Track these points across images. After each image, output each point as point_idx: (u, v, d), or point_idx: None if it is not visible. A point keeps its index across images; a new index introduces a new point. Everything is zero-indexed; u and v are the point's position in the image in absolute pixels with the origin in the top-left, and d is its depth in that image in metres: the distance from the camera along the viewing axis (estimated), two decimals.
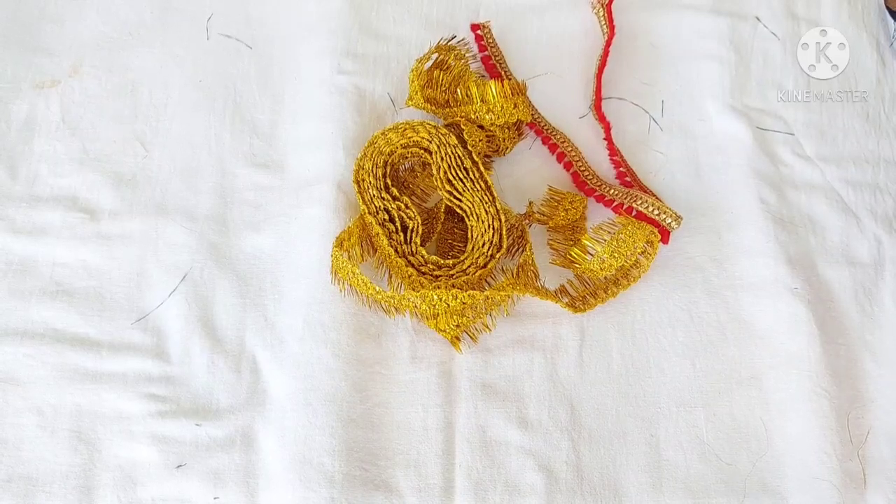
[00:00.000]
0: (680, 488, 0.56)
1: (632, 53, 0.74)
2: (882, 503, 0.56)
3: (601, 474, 0.56)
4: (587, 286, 0.62)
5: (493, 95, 0.65)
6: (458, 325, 0.58)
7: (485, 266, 0.60)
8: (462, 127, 0.64)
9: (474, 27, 0.75)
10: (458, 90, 0.67)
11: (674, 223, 0.63)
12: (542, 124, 0.70)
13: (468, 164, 0.62)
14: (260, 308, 0.62)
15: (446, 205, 0.63)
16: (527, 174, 0.68)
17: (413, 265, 0.60)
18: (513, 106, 0.66)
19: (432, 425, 0.58)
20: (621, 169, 0.68)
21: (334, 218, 0.63)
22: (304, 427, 0.56)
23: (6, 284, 0.62)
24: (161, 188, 0.67)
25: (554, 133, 0.70)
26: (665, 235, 0.63)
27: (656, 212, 0.63)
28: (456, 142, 0.63)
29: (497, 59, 0.73)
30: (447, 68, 0.69)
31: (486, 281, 0.61)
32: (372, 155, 0.63)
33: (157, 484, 0.56)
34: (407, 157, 0.65)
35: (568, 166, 0.68)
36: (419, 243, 0.60)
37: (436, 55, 0.69)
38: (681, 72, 0.73)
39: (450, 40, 0.69)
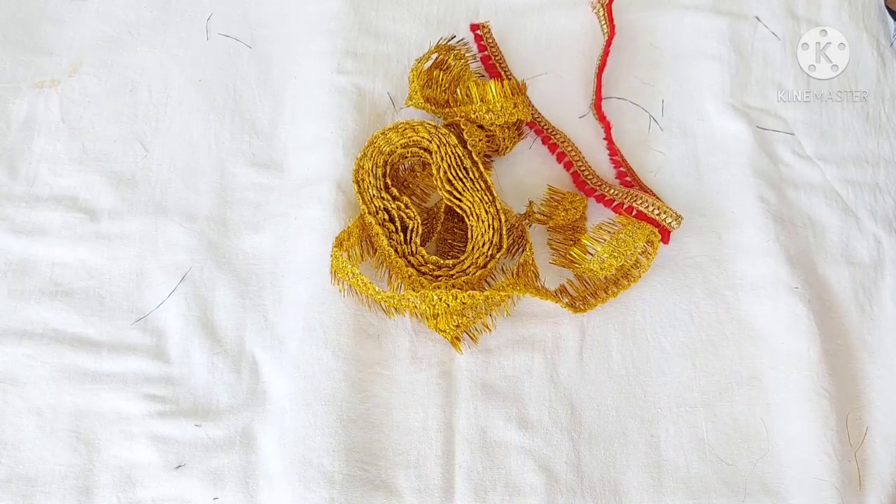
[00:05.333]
0: (680, 488, 0.56)
1: (632, 53, 0.74)
2: None
3: (601, 474, 0.56)
4: (587, 286, 0.62)
5: (493, 95, 0.65)
6: (458, 326, 0.58)
7: (485, 266, 0.60)
8: (462, 127, 0.64)
9: (474, 27, 0.75)
10: (458, 90, 0.67)
11: (674, 223, 0.63)
12: (542, 124, 0.70)
13: (468, 163, 0.62)
14: (259, 308, 0.62)
15: (446, 205, 0.63)
16: (527, 174, 0.68)
17: (413, 265, 0.60)
18: (512, 106, 0.66)
19: (432, 426, 0.58)
20: (621, 168, 0.68)
21: (334, 218, 0.63)
22: (304, 427, 0.56)
23: (6, 284, 0.62)
24: (161, 188, 0.67)
25: (554, 133, 0.70)
26: (665, 235, 0.63)
27: (656, 211, 0.63)
28: (456, 141, 0.63)
29: (497, 58, 0.73)
30: (447, 68, 0.69)
31: (486, 281, 0.61)
32: (372, 155, 0.63)
33: (157, 484, 0.56)
34: (407, 157, 0.65)
35: (568, 166, 0.68)
36: (419, 243, 0.60)
37: (435, 55, 0.69)
38: (681, 71, 0.73)
39: (449, 40, 0.69)
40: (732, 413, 0.59)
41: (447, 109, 0.67)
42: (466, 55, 0.70)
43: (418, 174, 0.66)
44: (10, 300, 0.62)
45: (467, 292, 0.56)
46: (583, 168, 0.68)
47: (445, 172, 0.62)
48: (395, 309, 0.60)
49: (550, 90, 0.72)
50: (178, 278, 0.63)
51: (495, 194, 0.61)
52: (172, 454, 0.56)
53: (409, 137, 0.63)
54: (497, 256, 0.60)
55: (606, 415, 0.58)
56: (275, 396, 0.58)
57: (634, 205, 0.64)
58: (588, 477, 0.56)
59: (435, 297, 0.56)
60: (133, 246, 0.64)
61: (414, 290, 0.59)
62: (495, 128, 0.66)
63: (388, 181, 0.62)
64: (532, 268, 0.61)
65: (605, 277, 0.62)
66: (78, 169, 0.68)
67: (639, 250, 0.61)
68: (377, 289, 0.58)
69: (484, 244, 0.60)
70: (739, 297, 0.62)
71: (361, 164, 0.63)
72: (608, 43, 0.72)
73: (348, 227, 0.61)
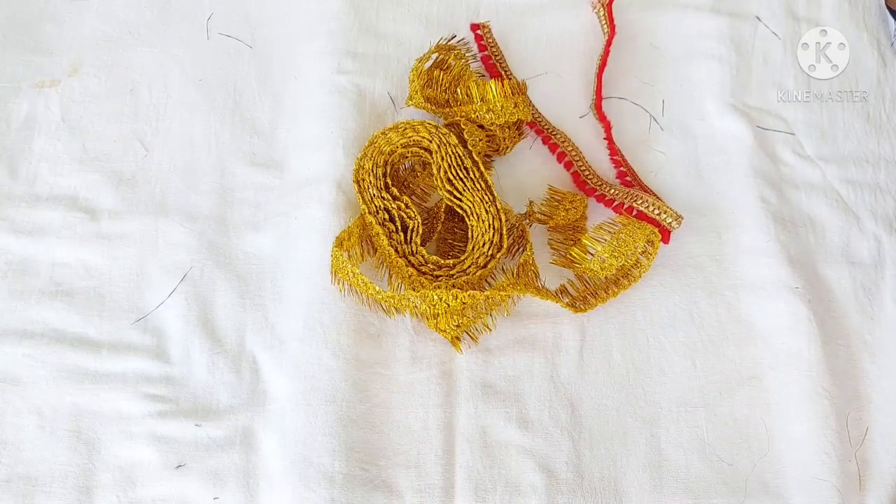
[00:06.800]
0: (680, 488, 0.56)
1: (632, 53, 0.74)
2: None
3: (602, 474, 0.56)
4: (588, 286, 0.62)
5: (494, 95, 0.65)
6: (458, 325, 0.58)
7: (485, 266, 0.60)
8: (462, 126, 0.64)
9: (474, 27, 0.75)
10: (459, 90, 0.67)
11: (674, 223, 0.63)
12: (543, 124, 0.70)
13: (468, 163, 0.62)
14: (260, 308, 0.62)
15: (447, 204, 0.63)
16: (527, 174, 0.68)
17: (413, 265, 0.60)
18: (513, 105, 0.66)
19: (432, 425, 0.58)
20: (622, 168, 0.68)
21: (334, 218, 0.63)
22: (304, 427, 0.56)
23: (6, 284, 0.62)
24: (161, 188, 0.67)
25: (554, 133, 0.70)
26: (665, 235, 0.63)
27: (657, 211, 0.63)
28: (456, 141, 0.63)
29: (497, 58, 0.73)
30: (447, 68, 0.69)
31: (486, 281, 0.61)
32: (372, 154, 0.63)
33: (157, 484, 0.56)
34: (407, 157, 0.65)
35: (568, 166, 0.68)
36: (419, 243, 0.60)
37: (436, 55, 0.69)
38: (681, 71, 0.73)
39: (450, 40, 0.69)
40: (732, 413, 0.59)
41: (447, 109, 0.67)
42: (467, 55, 0.70)
43: (419, 174, 0.66)
44: (10, 300, 0.62)
45: (468, 292, 0.56)
46: (583, 168, 0.68)
47: (446, 172, 0.62)
48: (396, 309, 0.60)
49: (551, 90, 0.72)
50: (178, 278, 0.63)
51: (496, 194, 0.61)
52: (172, 454, 0.56)
53: (409, 137, 0.63)
54: (497, 256, 0.60)
55: (607, 415, 0.58)
56: (275, 396, 0.58)
57: (635, 205, 0.64)
58: (588, 477, 0.56)
59: (435, 297, 0.56)
60: (133, 246, 0.64)
61: (414, 289, 0.59)
62: (495, 127, 0.66)
63: (389, 181, 0.62)
64: (532, 267, 0.61)
65: (606, 277, 0.62)
66: (78, 169, 0.68)
67: (639, 250, 0.61)
68: (377, 289, 0.58)
69: (484, 244, 0.60)
70: (740, 297, 0.62)
71: (362, 163, 0.63)
72: (608, 43, 0.72)
73: (348, 227, 0.61)
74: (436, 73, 0.68)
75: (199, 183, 0.67)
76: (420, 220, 0.61)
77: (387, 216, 0.61)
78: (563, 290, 0.62)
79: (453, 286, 0.58)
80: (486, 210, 0.61)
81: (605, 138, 0.69)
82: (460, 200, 0.62)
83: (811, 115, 0.71)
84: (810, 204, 0.67)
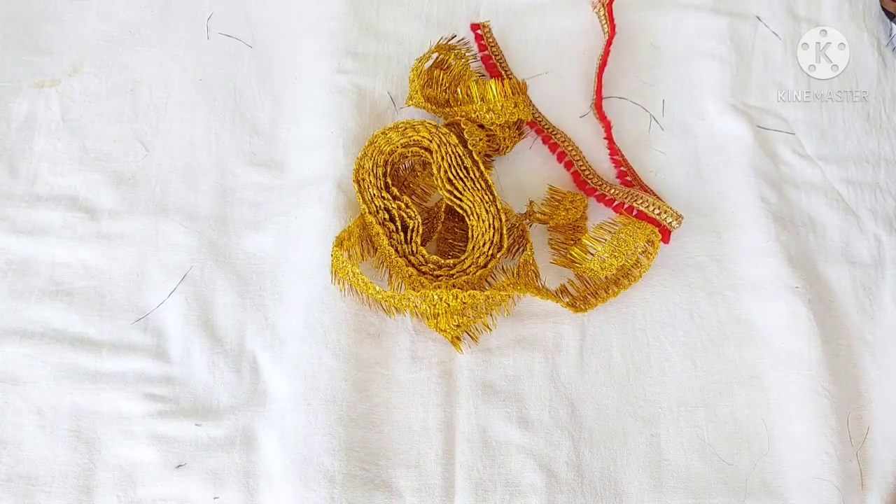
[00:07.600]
0: (680, 488, 0.56)
1: (632, 53, 0.74)
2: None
3: (602, 474, 0.56)
4: (588, 286, 0.62)
5: (494, 95, 0.65)
6: (458, 325, 0.58)
7: (485, 266, 0.60)
8: (462, 126, 0.64)
9: (474, 27, 0.75)
10: (459, 89, 0.67)
11: (674, 222, 0.63)
12: (543, 123, 0.70)
13: (468, 163, 0.62)
14: (260, 308, 0.62)
15: (447, 204, 0.63)
16: (527, 174, 0.68)
17: (413, 265, 0.60)
18: (513, 105, 0.66)
19: (432, 425, 0.58)
20: (622, 168, 0.68)
21: (334, 217, 0.63)
22: (304, 427, 0.56)
23: (6, 284, 0.62)
24: (161, 187, 0.67)
25: (554, 132, 0.70)
26: (666, 235, 0.63)
27: (657, 211, 0.63)
28: (456, 141, 0.63)
29: (497, 58, 0.73)
30: (447, 68, 0.69)
31: (486, 281, 0.61)
32: (372, 154, 0.63)
33: (157, 484, 0.56)
34: (407, 157, 0.65)
35: (568, 166, 0.68)
36: (419, 243, 0.60)
37: (436, 55, 0.69)
38: (681, 71, 0.73)
39: (450, 40, 0.69)
40: (733, 413, 0.59)
41: (448, 109, 0.67)
42: (467, 55, 0.70)
43: (419, 174, 0.66)
44: (11, 300, 0.62)
45: (468, 292, 0.56)
46: (583, 168, 0.68)
47: (446, 172, 0.62)
48: (396, 308, 0.60)
49: (551, 90, 0.72)
50: (178, 278, 0.63)
51: (496, 194, 0.61)
52: (173, 454, 0.56)
53: (409, 137, 0.63)
54: (498, 256, 0.60)
55: (607, 414, 0.58)
56: (275, 396, 0.58)
57: (635, 204, 0.64)
58: (588, 476, 0.56)
59: (435, 297, 0.56)
60: (133, 245, 0.64)
61: (414, 289, 0.59)
62: (496, 127, 0.66)
63: (389, 181, 0.62)
64: (532, 267, 0.61)
65: (606, 277, 0.62)
66: (78, 168, 0.68)
67: (639, 250, 0.61)
68: (377, 288, 0.58)
69: (484, 244, 0.60)
70: (740, 297, 0.62)
71: (362, 163, 0.63)
72: (608, 43, 0.72)
73: (349, 227, 0.61)
74: (436, 72, 0.68)
75: (199, 183, 0.67)
76: (420, 220, 0.61)
77: (387, 216, 0.61)
78: (563, 290, 0.62)
79: (453, 286, 0.58)
80: (487, 210, 0.61)
81: (605, 138, 0.69)
82: (460, 200, 0.62)
83: (811, 114, 0.71)
84: (810, 204, 0.67)
